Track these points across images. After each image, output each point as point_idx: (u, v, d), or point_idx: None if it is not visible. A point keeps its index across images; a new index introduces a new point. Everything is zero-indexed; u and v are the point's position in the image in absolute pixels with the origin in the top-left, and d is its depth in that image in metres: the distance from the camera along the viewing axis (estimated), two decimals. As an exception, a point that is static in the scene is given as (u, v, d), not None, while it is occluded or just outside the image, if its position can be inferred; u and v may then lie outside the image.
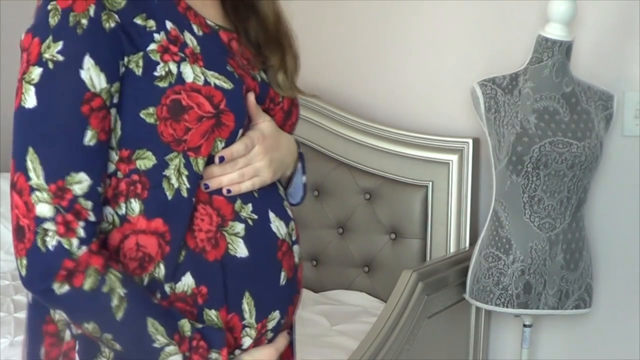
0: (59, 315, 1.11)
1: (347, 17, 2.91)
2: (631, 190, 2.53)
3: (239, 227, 1.13)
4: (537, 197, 2.30)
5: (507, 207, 2.34)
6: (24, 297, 2.58)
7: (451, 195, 2.62)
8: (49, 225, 1.01)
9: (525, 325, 2.47)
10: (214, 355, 1.09)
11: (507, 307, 2.34)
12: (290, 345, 1.29)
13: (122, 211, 1.09)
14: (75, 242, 1.02)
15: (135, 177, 1.08)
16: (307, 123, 2.81)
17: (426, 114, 2.79)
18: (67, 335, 1.11)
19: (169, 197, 1.08)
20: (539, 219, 2.31)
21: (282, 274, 1.19)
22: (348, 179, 2.79)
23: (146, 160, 1.08)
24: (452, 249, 2.61)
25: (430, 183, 2.65)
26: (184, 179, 1.09)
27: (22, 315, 2.39)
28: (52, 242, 1.01)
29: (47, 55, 1.03)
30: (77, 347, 1.10)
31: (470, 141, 2.60)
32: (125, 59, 1.06)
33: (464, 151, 2.60)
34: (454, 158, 2.61)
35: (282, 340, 1.21)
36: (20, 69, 1.07)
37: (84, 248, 1.02)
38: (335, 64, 2.94)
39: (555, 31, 2.29)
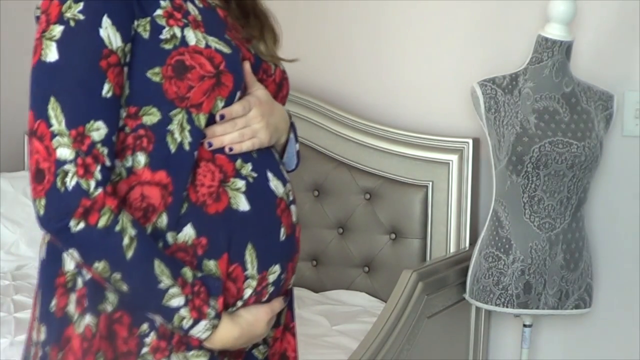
0: (71, 259, 1.18)
1: (347, 17, 2.91)
2: (631, 190, 2.53)
3: (240, 183, 1.21)
4: (537, 197, 2.30)
5: (507, 207, 2.34)
6: (24, 297, 2.58)
7: (451, 195, 2.62)
8: (69, 167, 1.09)
9: (525, 325, 2.48)
10: (212, 302, 1.16)
11: (507, 307, 2.34)
12: (291, 310, 1.38)
13: (129, 163, 1.17)
14: (92, 183, 1.10)
15: (141, 131, 1.17)
16: (307, 123, 2.81)
17: (426, 114, 2.79)
18: (79, 282, 1.18)
19: (172, 151, 1.17)
20: (539, 219, 2.31)
21: (282, 230, 1.26)
22: (348, 179, 2.79)
23: (152, 116, 1.17)
24: (452, 249, 2.61)
25: (430, 183, 2.65)
26: (187, 133, 1.17)
27: (22, 315, 2.39)
28: (71, 182, 1.09)
29: (68, 15, 1.12)
30: (87, 292, 1.17)
31: (470, 141, 2.60)
32: (135, 23, 1.15)
33: (464, 151, 2.60)
34: (454, 158, 2.61)
35: (277, 304, 1.28)
36: (38, 30, 1.14)
37: (100, 189, 1.11)
38: (335, 64, 2.94)
39: (555, 31, 2.29)
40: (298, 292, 2.76)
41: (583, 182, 2.33)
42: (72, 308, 1.18)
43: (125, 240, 1.11)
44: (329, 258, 2.83)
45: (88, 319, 1.16)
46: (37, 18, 1.17)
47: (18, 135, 3.47)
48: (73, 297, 1.18)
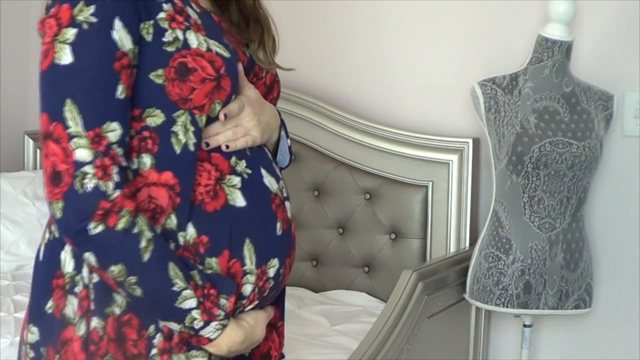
0: (78, 264, 1.17)
1: (347, 17, 2.91)
2: (631, 190, 2.53)
3: (236, 180, 1.22)
4: (537, 197, 2.30)
5: (507, 207, 2.34)
6: (24, 297, 2.58)
7: (451, 195, 2.62)
8: (87, 169, 1.10)
9: (525, 325, 2.47)
10: (222, 301, 1.17)
11: (507, 307, 2.34)
12: (280, 309, 1.38)
13: (135, 165, 1.17)
14: (110, 185, 1.11)
15: (145, 133, 1.17)
16: (307, 123, 2.81)
17: (426, 114, 2.78)
18: (80, 285, 1.18)
19: (178, 152, 1.17)
20: (539, 219, 2.31)
21: (278, 225, 1.27)
22: (348, 179, 2.79)
23: (155, 118, 1.17)
24: (452, 249, 2.61)
25: (430, 183, 2.65)
26: (191, 134, 1.18)
27: (22, 315, 2.39)
28: (89, 184, 1.10)
29: (80, 18, 1.12)
30: (91, 295, 1.17)
31: (470, 141, 2.60)
32: (141, 26, 1.16)
33: (464, 151, 2.60)
34: (454, 158, 2.61)
35: (270, 310, 1.32)
36: (48, 34, 1.14)
37: (118, 191, 1.11)
38: (335, 64, 2.94)
39: (555, 31, 2.29)
40: (298, 292, 2.76)
41: (583, 182, 2.33)
42: (70, 310, 1.18)
43: (143, 243, 1.12)
44: (329, 258, 2.83)
45: (95, 322, 1.16)
46: (43, 23, 1.17)
47: (18, 135, 3.47)
48: (72, 300, 1.18)
